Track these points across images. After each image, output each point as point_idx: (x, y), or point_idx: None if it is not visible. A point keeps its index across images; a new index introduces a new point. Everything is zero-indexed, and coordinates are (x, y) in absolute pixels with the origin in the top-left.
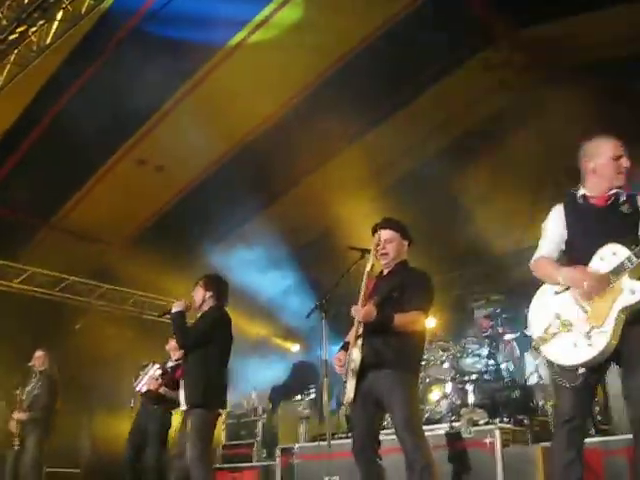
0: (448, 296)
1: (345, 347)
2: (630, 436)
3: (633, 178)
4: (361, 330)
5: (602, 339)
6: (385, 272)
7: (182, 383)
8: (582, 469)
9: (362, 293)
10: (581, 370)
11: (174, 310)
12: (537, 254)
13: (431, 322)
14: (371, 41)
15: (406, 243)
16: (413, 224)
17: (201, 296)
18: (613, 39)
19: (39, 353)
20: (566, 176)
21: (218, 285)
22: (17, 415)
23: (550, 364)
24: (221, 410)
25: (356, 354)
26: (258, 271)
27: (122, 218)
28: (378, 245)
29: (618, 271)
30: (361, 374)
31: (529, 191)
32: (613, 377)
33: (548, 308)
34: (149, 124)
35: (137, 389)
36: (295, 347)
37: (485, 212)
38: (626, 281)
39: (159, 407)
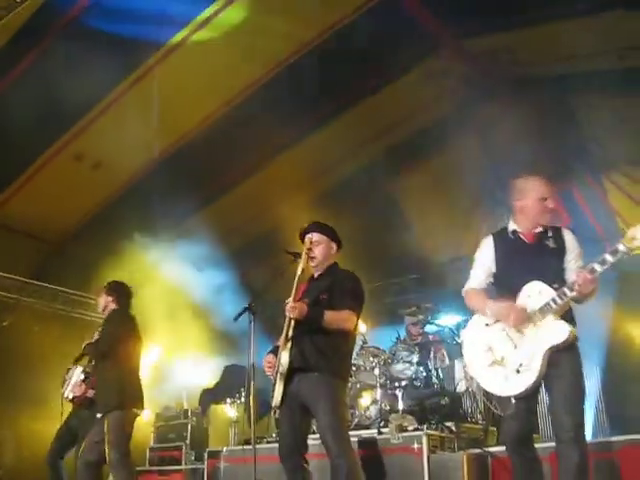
0: (381, 303)
1: (275, 350)
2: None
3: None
4: (291, 333)
5: (530, 376)
6: (316, 275)
7: (95, 390)
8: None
9: (293, 295)
10: (513, 400)
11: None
12: (468, 285)
13: (362, 327)
14: (314, 45)
15: (334, 246)
16: (349, 230)
17: (104, 301)
18: (550, 55)
19: None
20: (501, 191)
21: (119, 291)
22: None
23: (486, 392)
24: (138, 410)
25: (285, 357)
26: (194, 270)
27: (57, 214)
28: (309, 249)
29: (544, 311)
30: (289, 378)
31: (466, 202)
32: None
33: (480, 340)
34: (88, 118)
35: (65, 396)
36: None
37: (421, 221)
38: (551, 321)
39: (90, 411)
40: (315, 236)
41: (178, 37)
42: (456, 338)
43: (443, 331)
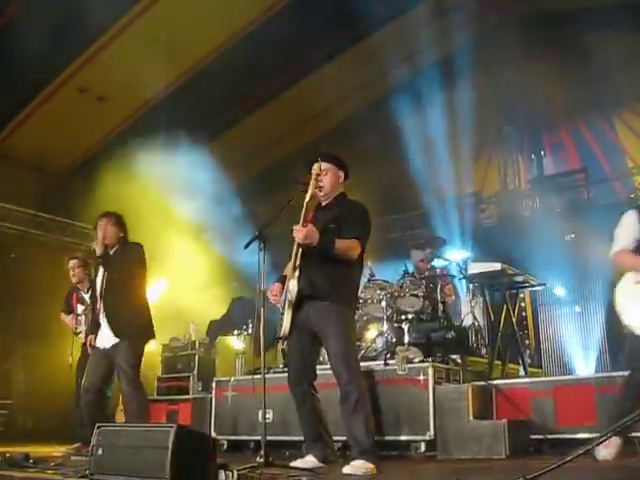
0: (387, 238)
1: (282, 280)
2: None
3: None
4: (299, 261)
5: None
6: (323, 204)
7: (103, 319)
8: None
9: (301, 221)
10: None
11: (100, 253)
12: (616, 247)
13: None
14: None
15: (342, 175)
16: (358, 170)
17: (109, 232)
18: None
19: None
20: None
21: (123, 222)
22: None
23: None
24: (149, 340)
25: (293, 285)
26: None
27: (63, 147)
28: (318, 175)
29: None
30: (297, 306)
31: (474, 138)
32: (544, 323)
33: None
34: (92, 50)
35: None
36: (234, 282)
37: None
38: None
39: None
40: (323, 165)
41: None
42: (463, 272)
43: (450, 266)
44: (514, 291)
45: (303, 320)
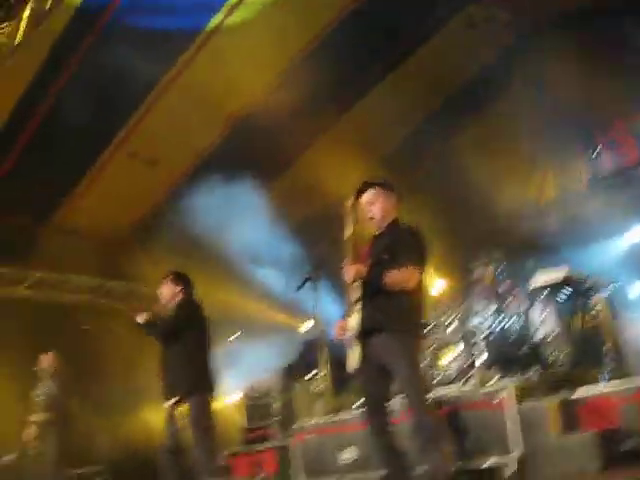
0: (449, 259)
1: (346, 315)
2: None
3: None
4: (357, 296)
5: None
6: (377, 233)
7: (165, 378)
8: None
9: (348, 258)
10: None
11: (141, 321)
12: None
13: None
14: (354, 8)
15: (393, 199)
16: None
17: (171, 290)
18: None
19: (47, 355)
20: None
21: (185, 280)
22: (35, 417)
23: None
24: (211, 395)
25: (354, 320)
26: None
27: (120, 212)
28: (365, 209)
29: None
30: (362, 340)
31: (525, 148)
32: (622, 326)
33: None
34: (137, 115)
35: None
36: (303, 326)
37: (480, 172)
38: None
39: None
40: (369, 195)
41: (214, 22)
42: (530, 283)
43: (517, 277)
44: (586, 296)
45: (370, 353)
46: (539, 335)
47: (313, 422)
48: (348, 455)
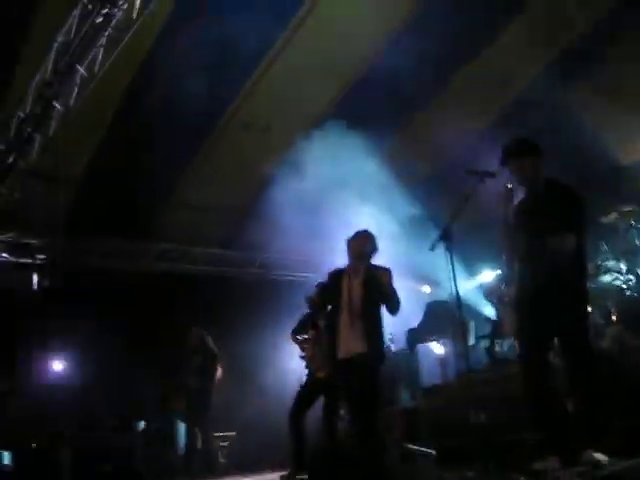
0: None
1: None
2: None
3: None
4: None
5: None
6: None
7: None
8: None
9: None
10: None
11: None
12: None
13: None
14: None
15: (539, 160)
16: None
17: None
18: None
19: (195, 330)
20: None
21: None
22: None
23: None
24: None
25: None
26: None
27: (237, 183)
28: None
29: None
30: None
31: None
32: None
33: None
34: (250, 82)
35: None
36: (426, 288)
37: (607, 123)
38: None
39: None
40: (517, 163)
41: None
42: None
43: None
44: None
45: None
46: None
47: (435, 385)
48: (480, 416)
